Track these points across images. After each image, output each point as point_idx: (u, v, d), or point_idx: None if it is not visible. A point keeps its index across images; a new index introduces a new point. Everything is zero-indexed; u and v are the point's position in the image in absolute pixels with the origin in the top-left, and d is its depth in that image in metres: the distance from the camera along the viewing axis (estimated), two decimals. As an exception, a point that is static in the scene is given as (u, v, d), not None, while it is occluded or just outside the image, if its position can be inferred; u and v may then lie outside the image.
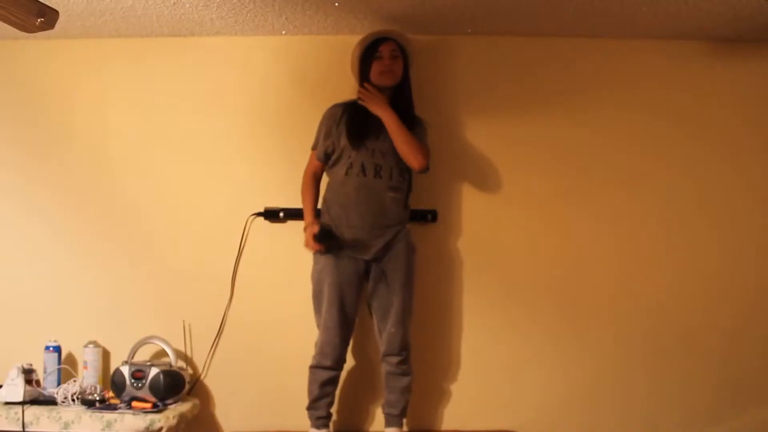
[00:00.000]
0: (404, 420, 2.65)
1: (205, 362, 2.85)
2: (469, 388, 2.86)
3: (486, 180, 2.90)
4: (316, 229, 2.49)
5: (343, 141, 2.56)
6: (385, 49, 2.57)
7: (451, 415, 2.85)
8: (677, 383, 2.86)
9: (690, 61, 2.92)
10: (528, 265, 2.88)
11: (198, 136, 2.91)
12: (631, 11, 2.62)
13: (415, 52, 2.69)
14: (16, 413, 2.45)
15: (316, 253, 2.57)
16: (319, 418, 2.59)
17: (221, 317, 2.84)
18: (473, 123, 2.90)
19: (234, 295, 2.85)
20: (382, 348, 2.60)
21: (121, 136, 2.93)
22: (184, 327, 2.84)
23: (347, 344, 2.60)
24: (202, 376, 2.85)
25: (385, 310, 2.58)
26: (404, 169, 2.60)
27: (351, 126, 2.57)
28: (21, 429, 2.44)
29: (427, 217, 2.84)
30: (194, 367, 2.85)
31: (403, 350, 2.58)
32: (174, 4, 2.59)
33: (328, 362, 2.55)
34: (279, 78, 2.90)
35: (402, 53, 2.61)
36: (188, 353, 2.84)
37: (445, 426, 2.83)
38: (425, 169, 2.57)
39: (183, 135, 2.91)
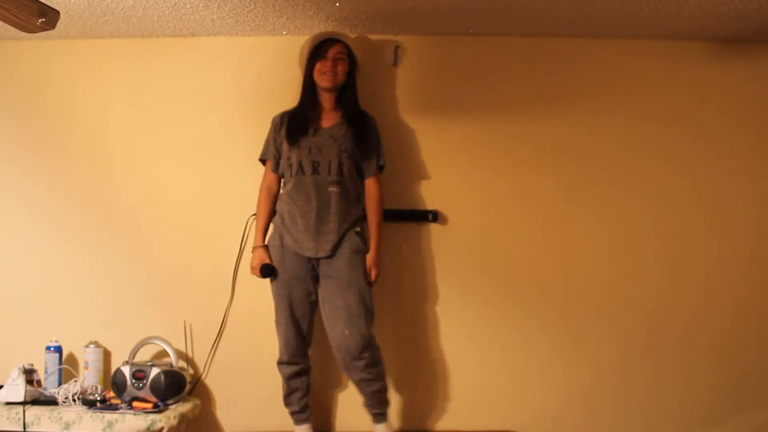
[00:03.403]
0: (388, 411, 2.61)
1: (206, 362, 2.85)
2: (469, 388, 2.85)
3: (486, 180, 2.90)
4: (257, 266, 2.60)
5: (285, 145, 2.61)
6: (330, 51, 2.59)
7: (451, 415, 2.84)
8: (677, 383, 2.86)
9: (691, 61, 2.92)
10: (528, 265, 2.88)
11: (198, 136, 2.91)
12: (633, 11, 2.62)
13: (361, 55, 2.71)
14: (17, 413, 2.46)
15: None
16: (294, 413, 2.62)
17: (222, 317, 2.85)
18: (473, 123, 2.90)
19: (235, 295, 2.85)
20: (338, 356, 2.52)
21: (121, 137, 2.93)
22: (185, 327, 2.84)
23: (303, 339, 2.59)
24: (203, 377, 2.85)
25: (334, 311, 2.50)
26: (344, 163, 2.56)
27: (288, 126, 2.62)
28: (22, 429, 2.44)
29: (427, 217, 2.84)
30: (195, 368, 2.85)
31: (365, 352, 2.47)
32: (175, 4, 2.59)
33: (285, 357, 2.58)
34: (280, 78, 2.90)
35: (349, 57, 2.62)
36: (189, 353, 2.84)
37: (445, 426, 2.83)
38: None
39: (183, 135, 2.91)
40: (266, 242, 2.64)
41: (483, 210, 2.89)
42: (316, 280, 2.59)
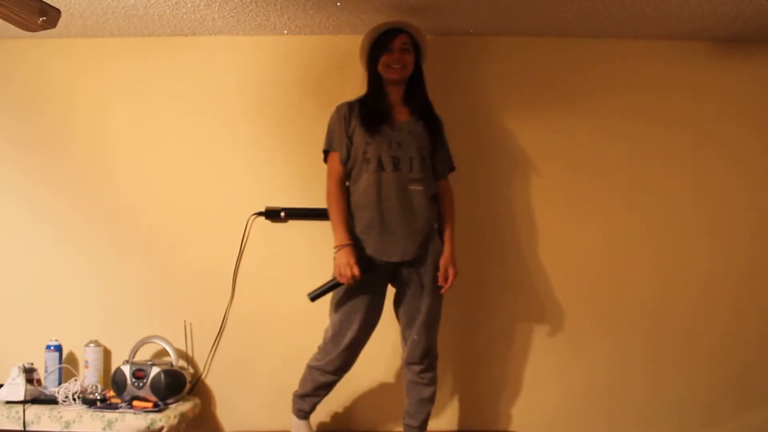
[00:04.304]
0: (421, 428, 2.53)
1: (206, 361, 2.85)
2: (469, 389, 2.86)
3: (484, 180, 2.90)
4: (354, 264, 2.29)
5: (357, 138, 2.41)
6: (395, 42, 2.43)
7: (451, 415, 2.85)
8: (676, 384, 2.86)
9: (692, 61, 2.92)
10: (525, 265, 2.88)
11: (199, 135, 2.91)
12: (633, 12, 2.62)
13: (429, 45, 2.60)
14: (17, 412, 2.45)
15: (351, 282, 2.32)
16: (301, 410, 2.55)
17: (222, 317, 2.84)
18: (473, 122, 2.90)
19: (235, 295, 2.85)
20: (405, 355, 2.48)
21: (122, 136, 2.92)
22: (185, 326, 2.84)
23: (357, 354, 2.45)
24: (203, 376, 2.85)
25: (411, 316, 2.43)
26: (426, 160, 2.43)
27: (366, 116, 2.43)
28: (22, 428, 2.44)
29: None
30: (195, 367, 2.85)
31: (426, 358, 2.44)
32: (176, 3, 2.59)
33: (331, 368, 2.45)
34: (281, 77, 2.90)
35: (414, 47, 2.48)
36: (189, 353, 2.84)
37: (447, 427, 2.83)
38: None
39: (184, 134, 2.91)
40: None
41: (481, 209, 2.89)
42: (391, 284, 2.47)
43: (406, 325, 2.46)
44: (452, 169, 2.59)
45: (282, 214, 2.83)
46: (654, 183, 2.90)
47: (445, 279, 2.42)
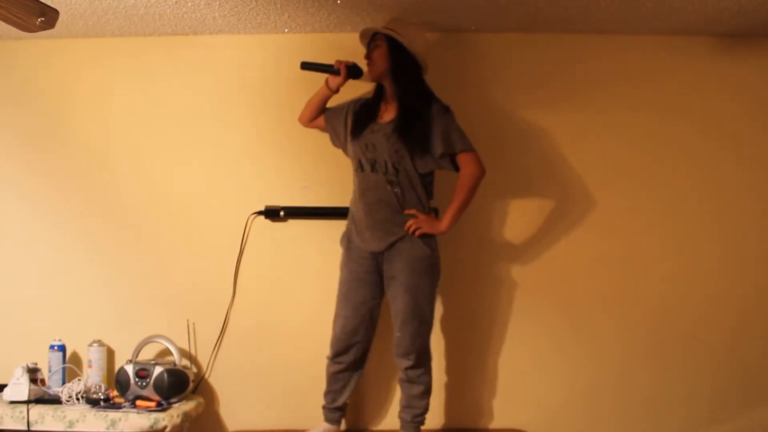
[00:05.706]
0: (420, 427, 2.56)
1: (209, 361, 2.85)
2: (474, 386, 2.85)
3: (488, 177, 2.88)
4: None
5: (348, 137, 2.60)
6: (368, 46, 2.58)
7: (457, 413, 2.84)
8: (681, 381, 2.85)
9: (695, 56, 2.90)
10: (531, 263, 2.87)
11: (199, 134, 2.91)
12: (636, 7, 2.60)
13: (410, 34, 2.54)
14: (21, 412, 2.47)
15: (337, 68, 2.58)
16: (324, 407, 2.61)
17: (224, 316, 2.85)
18: (475, 120, 2.88)
19: (236, 294, 2.85)
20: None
21: (123, 135, 2.93)
22: (188, 326, 2.84)
23: (357, 340, 2.53)
24: (206, 375, 2.85)
25: (394, 312, 2.52)
26: (401, 161, 2.47)
27: (353, 119, 2.61)
28: (26, 428, 2.45)
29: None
30: (198, 366, 2.85)
31: (410, 355, 2.48)
32: (176, 2, 2.58)
33: (331, 354, 2.56)
34: (281, 76, 2.90)
35: (390, 42, 2.50)
36: (192, 352, 2.84)
37: (451, 424, 2.83)
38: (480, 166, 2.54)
39: (185, 134, 2.91)
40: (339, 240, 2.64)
41: (484, 208, 2.87)
42: (381, 288, 2.55)
43: (394, 322, 2.54)
44: (462, 151, 2.51)
45: (281, 213, 2.82)
46: (659, 178, 2.88)
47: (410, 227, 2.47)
